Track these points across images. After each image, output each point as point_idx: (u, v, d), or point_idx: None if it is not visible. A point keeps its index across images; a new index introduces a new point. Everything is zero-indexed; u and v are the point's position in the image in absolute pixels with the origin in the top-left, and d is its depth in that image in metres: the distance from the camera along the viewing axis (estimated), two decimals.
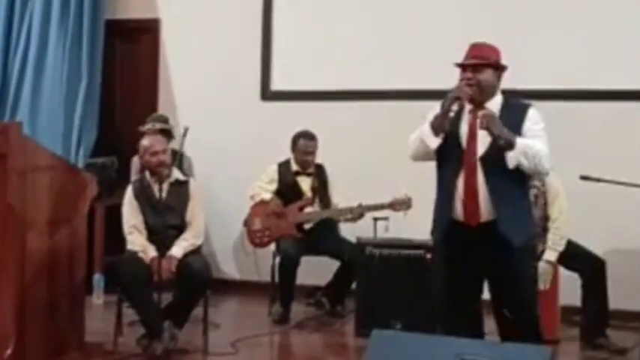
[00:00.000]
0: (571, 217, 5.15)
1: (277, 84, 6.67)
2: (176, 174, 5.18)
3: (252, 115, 6.72)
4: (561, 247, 5.15)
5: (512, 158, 3.63)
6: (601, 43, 5.86)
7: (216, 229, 6.59)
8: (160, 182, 4.99)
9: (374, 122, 6.33)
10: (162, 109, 6.88)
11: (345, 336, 5.46)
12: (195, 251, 5.08)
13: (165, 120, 6.32)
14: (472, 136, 3.72)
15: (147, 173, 5.12)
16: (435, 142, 3.71)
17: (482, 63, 3.76)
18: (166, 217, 4.99)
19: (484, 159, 3.68)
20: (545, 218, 5.24)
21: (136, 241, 4.98)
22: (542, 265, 5.12)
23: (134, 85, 7.19)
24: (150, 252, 4.91)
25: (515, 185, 3.73)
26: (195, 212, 5.10)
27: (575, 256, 5.20)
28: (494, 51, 3.87)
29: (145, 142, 5.11)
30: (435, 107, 3.75)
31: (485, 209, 3.68)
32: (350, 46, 6.46)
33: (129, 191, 5.12)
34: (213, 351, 4.89)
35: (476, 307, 3.92)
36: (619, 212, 5.63)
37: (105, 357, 4.77)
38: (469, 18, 6.11)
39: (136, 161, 6.02)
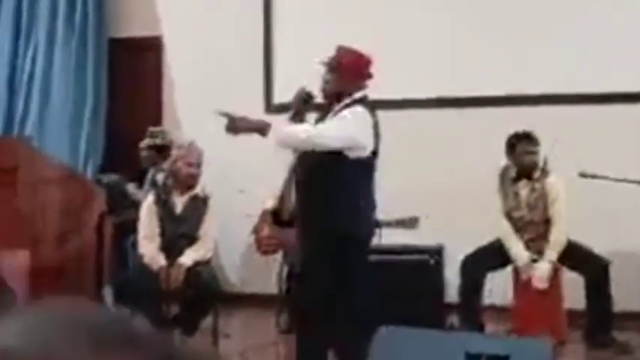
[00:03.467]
0: (574, 218, 5.21)
1: (281, 96, 6.75)
2: (198, 189, 5.19)
3: None
4: (561, 247, 5.20)
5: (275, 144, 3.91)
6: (596, 46, 5.95)
7: (224, 242, 6.64)
8: (182, 193, 5.06)
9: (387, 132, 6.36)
10: (167, 125, 6.95)
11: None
12: (205, 263, 5.14)
13: (162, 133, 6.37)
14: None
15: (170, 181, 5.17)
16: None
17: (328, 63, 4.00)
18: (180, 228, 5.05)
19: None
20: (547, 220, 5.31)
21: (147, 247, 5.04)
22: (541, 265, 5.18)
23: (139, 102, 7.29)
24: (159, 260, 4.97)
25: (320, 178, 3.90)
26: (209, 227, 5.15)
27: (578, 258, 5.26)
28: (349, 56, 4.03)
29: (181, 150, 5.18)
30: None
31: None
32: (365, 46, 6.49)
33: (150, 197, 5.18)
34: (223, 358, 4.95)
35: None
36: (622, 212, 5.68)
37: None
38: (464, 24, 6.21)
39: (149, 176, 6.07)
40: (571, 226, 5.27)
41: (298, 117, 4.08)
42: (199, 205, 5.16)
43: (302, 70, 6.67)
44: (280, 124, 3.97)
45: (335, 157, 3.90)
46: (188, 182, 5.09)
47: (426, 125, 6.28)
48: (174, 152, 5.21)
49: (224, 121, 6.81)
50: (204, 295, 4.89)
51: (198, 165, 5.14)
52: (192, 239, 5.09)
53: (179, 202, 5.05)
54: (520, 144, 5.33)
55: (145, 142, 6.16)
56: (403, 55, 6.36)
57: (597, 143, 5.81)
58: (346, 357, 4.03)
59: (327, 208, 3.93)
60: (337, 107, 3.99)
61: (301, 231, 4.07)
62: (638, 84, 5.87)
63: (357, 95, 4.04)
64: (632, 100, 5.90)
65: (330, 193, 3.94)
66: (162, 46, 7.14)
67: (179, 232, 5.03)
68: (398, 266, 5.34)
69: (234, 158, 6.76)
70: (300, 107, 4.02)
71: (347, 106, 3.99)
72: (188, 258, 4.98)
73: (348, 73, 4.02)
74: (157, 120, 7.09)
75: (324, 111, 4.09)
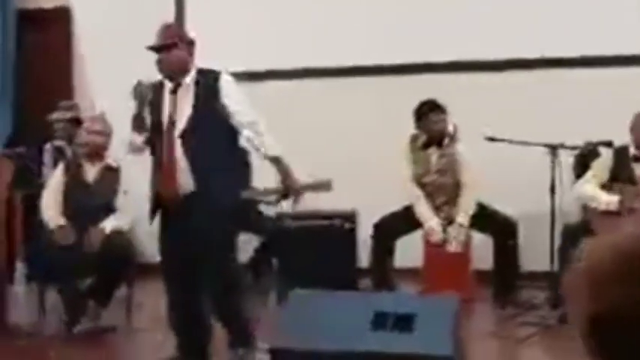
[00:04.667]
0: (482, 182, 5.37)
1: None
2: (110, 160, 5.20)
3: None
4: (472, 211, 5.38)
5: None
6: (496, 13, 6.11)
7: (138, 213, 6.60)
8: (93, 164, 5.08)
9: (300, 101, 6.40)
10: (77, 98, 6.84)
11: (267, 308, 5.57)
12: (119, 233, 5.12)
13: (74, 107, 6.29)
14: (174, 112, 3.86)
15: (80, 151, 5.21)
16: (140, 139, 3.94)
17: (169, 43, 3.91)
18: (93, 199, 5.04)
19: (184, 135, 3.84)
20: (457, 184, 5.46)
21: (48, 212, 5.03)
22: (454, 228, 5.34)
23: (48, 75, 7.13)
24: (58, 220, 4.98)
25: (218, 155, 3.87)
26: (126, 198, 5.15)
27: (487, 219, 5.44)
28: (179, 29, 4.16)
29: (86, 122, 5.23)
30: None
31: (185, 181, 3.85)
32: (273, 24, 6.50)
33: (59, 169, 5.19)
34: (138, 327, 4.95)
35: None
36: (528, 175, 5.84)
37: (29, 339, 4.78)
38: None
39: (48, 148, 6.00)
40: (480, 189, 5.43)
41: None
42: (112, 176, 5.16)
43: (216, 39, 6.69)
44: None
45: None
46: (97, 151, 5.12)
47: (336, 93, 6.34)
48: (85, 123, 5.24)
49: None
50: (118, 264, 4.88)
51: (108, 134, 5.14)
52: (106, 209, 5.07)
53: (90, 172, 5.06)
54: (428, 113, 5.46)
55: (55, 116, 6.06)
56: (306, 23, 6.40)
57: (502, 109, 5.97)
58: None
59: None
60: (188, 79, 3.92)
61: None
62: (536, 51, 6.05)
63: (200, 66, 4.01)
64: (533, 65, 6.08)
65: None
66: (72, 17, 7.00)
67: (92, 202, 5.01)
68: (312, 231, 5.42)
69: None
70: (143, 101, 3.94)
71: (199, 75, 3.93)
72: (109, 224, 4.99)
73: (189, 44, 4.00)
74: (68, 93, 6.96)
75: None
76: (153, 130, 3.93)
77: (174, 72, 3.89)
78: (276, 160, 3.94)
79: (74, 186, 5.07)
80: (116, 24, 6.82)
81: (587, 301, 0.88)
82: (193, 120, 3.83)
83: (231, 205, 3.95)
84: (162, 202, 3.95)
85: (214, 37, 6.11)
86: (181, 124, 3.85)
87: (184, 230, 3.90)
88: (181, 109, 3.86)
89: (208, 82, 3.88)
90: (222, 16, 6.66)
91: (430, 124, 5.46)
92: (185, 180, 3.85)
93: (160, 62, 3.91)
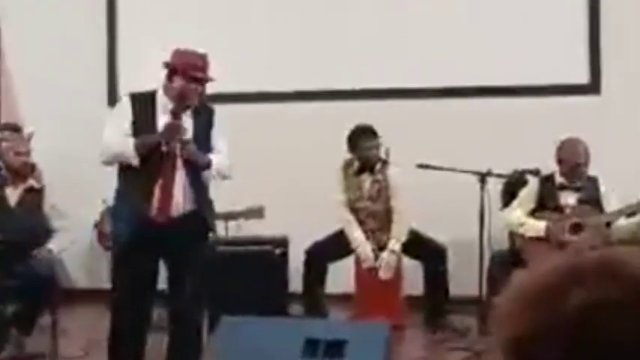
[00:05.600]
0: (413, 208, 5.42)
1: (126, 89, 6.63)
2: (32, 181, 5.12)
3: (99, 121, 6.62)
4: (404, 237, 5.42)
5: (207, 176, 4.06)
6: (429, 42, 6.21)
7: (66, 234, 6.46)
8: (16, 186, 4.97)
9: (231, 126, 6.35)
10: (4, 117, 6.68)
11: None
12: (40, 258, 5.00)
13: (17, 128, 6.19)
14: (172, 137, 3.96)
15: (4, 174, 5.06)
16: (137, 160, 3.93)
17: (208, 78, 4.06)
18: (18, 223, 4.92)
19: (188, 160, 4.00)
20: (389, 210, 5.50)
21: None
22: (386, 255, 5.37)
23: None
24: None
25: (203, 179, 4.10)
26: (55, 220, 5.08)
27: (418, 246, 5.49)
28: None
29: (7, 143, 5.11)
30: (119, 115, 4.01)
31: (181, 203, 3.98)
32: (208, 42, 6.46)
33: None
34: (64, 355, 4.83)
35: None
36: (458, 202, 5.92)
37: None
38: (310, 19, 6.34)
39: None
40: (410, 214, 5.48)
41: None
42: (35, 198, 5.06)
43: (150, 57, 6.60)
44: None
45: None
46: (24, 171, 5.03)
47: (269, 117, 6.34)
48: (2, 144, 5.08)
49: (65, 112, 6.64)
50: (41, 292, 4.76)
51: (27, 153, 5.11)
52: (31, 234, 4.95)
53: (12, 196, 4.91)
54: (361, 138, 5.50)
55: None
56: (238, 48, 6.39)
57: (433, 136, 6.05)
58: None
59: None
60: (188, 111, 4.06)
61: None
62: (467, 79, 6.17)
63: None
64: (464, 94, 6.19)
65: None
66: None
67: (16, 227, 4.88)
68: (243, 257, 5.39)
69: (73, 151, 6.58)
70: None
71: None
72: (54, 246, 4.97)
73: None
74: None
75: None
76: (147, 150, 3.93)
77: (194, 104, 4.02)
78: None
79: None
80: (46, 40, 6.69)
81: (501, 328, 0.95)
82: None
83: (214, 226, 4.29)
84: (144, 223, 3.92)
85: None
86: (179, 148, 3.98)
87: (167, 251, 4.01)
88: (184, 132, 3.98)
89: (205, 114, 4.10)
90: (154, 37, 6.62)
91: (363, 149, 5.49)
92: (181, 201, 3.96)
93: (188, 92, 3.96)
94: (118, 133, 3.95)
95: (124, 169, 4.01)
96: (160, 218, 3.92)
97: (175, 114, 3.96)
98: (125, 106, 4.03)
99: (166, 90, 4.01)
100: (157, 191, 3.92)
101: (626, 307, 0.89)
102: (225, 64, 6.36)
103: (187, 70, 3.94)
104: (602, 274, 0.91)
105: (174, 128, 3.90)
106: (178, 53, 4.05)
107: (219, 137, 4.12)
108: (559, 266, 0.95)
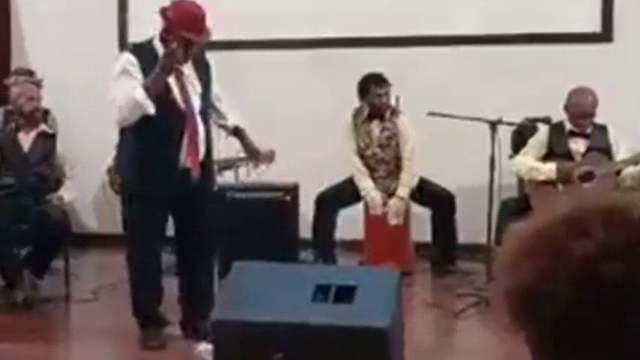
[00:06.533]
0: (423, 155, 5.43)
1: (135, 34, 6.59)
2: (43, 126, 5.15)
3: (110, 67, 6.60)
4: (413, 184, 5.44)
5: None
6: None
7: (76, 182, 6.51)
8: (28, 132, 4.99)
9: (239, 74, 6.33)
10: (16, 62, 6.68)
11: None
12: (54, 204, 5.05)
13: (30, 72, 6.20)
14: (184, 90, 4.02)
15: (12, 125, 5.06)
16: (152, 106, 3.89)
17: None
18: (32, 167, 4.97)
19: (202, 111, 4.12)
20: (398, 158, 5.51)
21: None
22: (394, 202, 5.40)
23: None
24: None
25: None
26: (70, 168, 5.12)
27: (425, 192, 5.52)
28: None
29: (18, 88, 5.14)
30: (129, 72, 3.95)
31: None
32: None
33: None
34: (75, 298, 4.91)
35: None
36: (467, 149, 5.92)
37: None
38: None
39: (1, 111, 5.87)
40: (420, 162, 5.50)
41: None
42: (48, 143, 5.08)
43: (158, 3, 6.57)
44: None
45: None
46: (35, 116, 5.05)
47: (276, 66, 6.30)
48: (13, 90, 5.10)
49: (75, 58, 6.63)
50: (54, 236, 4.82)
51: (39, 98, 5.12)
52: (44, 178, 4.99)
53: (26, 141, 4.94)
54: (372, 86, 5.48)
55: (11, 81, 5.94)
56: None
57: (444, 84, 6.02)
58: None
59: None
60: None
61: None
62: (479, 27, 6.10)
63: None
64: (475, 42, 6.14)
65: None
66: None
67: (31, 171, 4.94)
68: (254, 203, 5.41)
69: (84, 96, 6.58)
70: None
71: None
72: (66, 195, 5.02)
73: None
74: (6, 57, 6.77)
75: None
76: (159, 102, 3.92)
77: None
78: (239, 131, 4.35)
79: (12, 156, 4.97)
80: None
81: (503, 277, 0.95)
82: (203, 98, 4.10)
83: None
84: (170, 174, 4.01)
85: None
86: (196, 101, 4.06)
87: (179, 197, 4.10)
88: (193, 85, 4.07)
89: (204, 63, 4.16)
90: None
91: (373, 97, 5.48)
92: (203, 152, 4.12)
93: (191, 46, 3.93)
94: (129, 88, 3.89)
95: (142, 127, 3.97)
96: (195, 170, 4.03)
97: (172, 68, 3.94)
98: (131, 61, 3.95)
99: (163, 40, 3.97)
100: (184, 144, 4.01)
101: (631, 251, 0.88)
102: (237, 11, 6.36)
103: (182, 32, 3.88)
104: (606, 222, 0.90)
105: (170, 55, 3.85)
106: (176, 7, 3.97)
107: (215, 84, 4.23)
108: (562, 215, 0.94)
